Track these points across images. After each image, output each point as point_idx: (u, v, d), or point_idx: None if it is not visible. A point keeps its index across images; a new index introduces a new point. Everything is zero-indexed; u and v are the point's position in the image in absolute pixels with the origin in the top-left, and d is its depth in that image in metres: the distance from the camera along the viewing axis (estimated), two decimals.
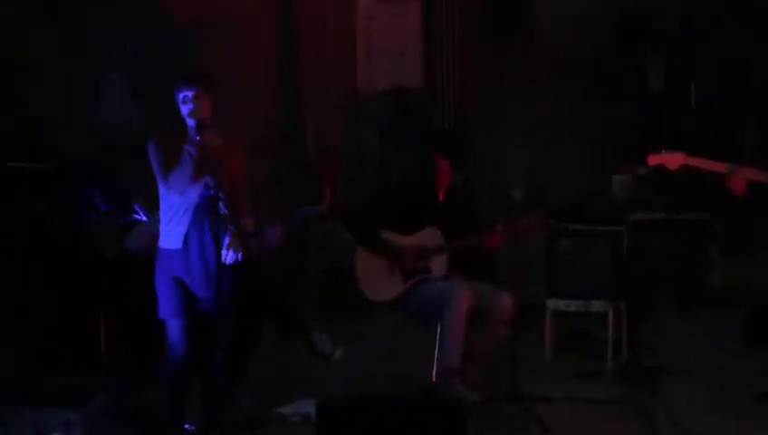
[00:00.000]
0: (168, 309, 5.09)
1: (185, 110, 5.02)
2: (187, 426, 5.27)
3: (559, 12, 9.22)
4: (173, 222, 5.08)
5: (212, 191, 4.92)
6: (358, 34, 9.13)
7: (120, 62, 8.12)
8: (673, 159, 5.84)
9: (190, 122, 5.02)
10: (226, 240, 5.01)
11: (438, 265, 6.11)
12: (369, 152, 9.16)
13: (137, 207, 5.96)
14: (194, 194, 5.00)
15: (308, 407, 5.55)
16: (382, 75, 9.18)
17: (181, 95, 5.02)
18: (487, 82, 9.15)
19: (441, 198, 6.26)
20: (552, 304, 6.76)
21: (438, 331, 5.99)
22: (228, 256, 5.00)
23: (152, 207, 5.50)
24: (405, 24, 9.17)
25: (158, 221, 5.19)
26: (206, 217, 4.99)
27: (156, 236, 5.19)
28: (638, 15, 9.30)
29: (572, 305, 6.71)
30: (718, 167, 5.75)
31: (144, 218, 5.92)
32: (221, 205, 4.95)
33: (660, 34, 9.28)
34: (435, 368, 6.02)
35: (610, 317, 6.62)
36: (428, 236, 6.12)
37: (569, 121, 9.30)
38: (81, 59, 7.84)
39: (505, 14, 9.14)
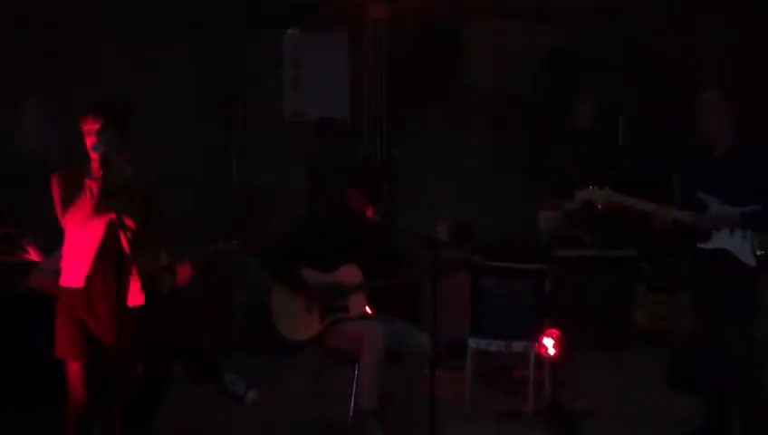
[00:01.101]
0: (66, 350, 4.87)
1: (88, 143, 4.81)
2: None
3: (489, 48, 9.16)
4: (74, 260, 4.87)
5: (116, 229, 4.72)
6: (284, 63, 8.99)
7: (39, 94, 7.92)
8: (600, 196, 5.78)
9: (94, 156, 4.80)
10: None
11: (357, 303, 5.97)
12: (296, 185, 9.00)
13: (28, 246, 5.73)
14: (95, 232, 4.79)
15: None
16: (309, 106, 9.05)
17: (85, 127, 4.81)
18: (415, 117, 9.07)
19: (360, 234, 6.11)
20: (473, 343, 6.63)
21: (356, 371, 5.85)
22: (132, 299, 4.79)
23: (56, 244, 5.26)
24: (332, 55, 9.05)
25: (59, 258, 4.98)
26: (109, 256, 4.77)
27: (57, 274, 4.97)
28: (568, 52, 9.29)
29: (494, 345, 6.58)
30: (645, 205, 5.69)
31: (35, 258, 5.70)
32: (126, 243, 4.73)
33: (589, 72, 9.27)
34: (351, 410, 5.88)
35: (532, 357, 6.51)
36: (346, 273, 5.98)
37: (498, 158, 9.26)
38: None
39: (435, 49, 9.06)
